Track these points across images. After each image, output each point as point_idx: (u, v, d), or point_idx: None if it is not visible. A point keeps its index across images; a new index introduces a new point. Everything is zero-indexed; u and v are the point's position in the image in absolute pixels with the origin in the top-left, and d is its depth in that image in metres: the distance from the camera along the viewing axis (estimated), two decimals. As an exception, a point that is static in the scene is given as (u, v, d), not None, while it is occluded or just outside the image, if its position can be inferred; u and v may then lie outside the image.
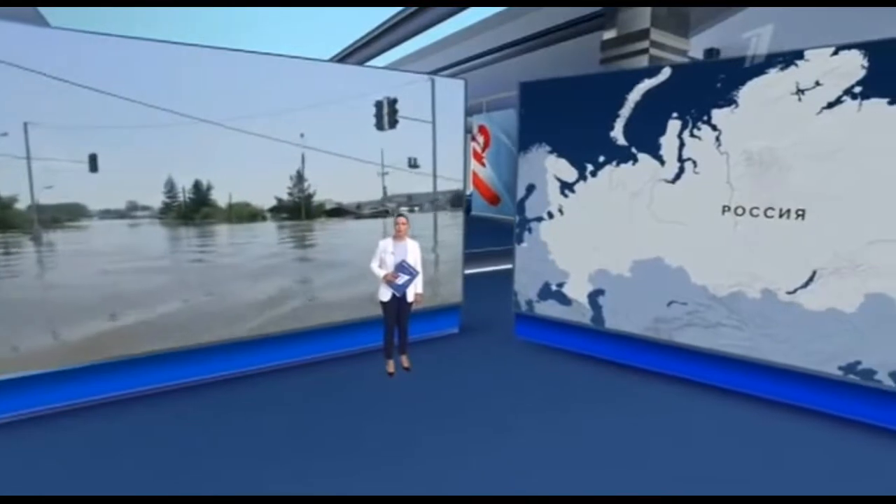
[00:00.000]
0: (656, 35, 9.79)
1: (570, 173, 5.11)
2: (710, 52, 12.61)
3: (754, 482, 3.11)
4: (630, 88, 4.60)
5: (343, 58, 16.41)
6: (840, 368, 3.86)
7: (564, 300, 5.25)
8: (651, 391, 4.44)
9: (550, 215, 5.28)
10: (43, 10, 10.08)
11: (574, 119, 4.97)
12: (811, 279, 3.94)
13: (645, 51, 9.73)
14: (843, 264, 3.81)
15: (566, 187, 5.15)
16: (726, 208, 4.26)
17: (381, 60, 15.91)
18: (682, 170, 4.48)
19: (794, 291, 4.01)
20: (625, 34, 10.09)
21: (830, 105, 3.72)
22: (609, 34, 10.40)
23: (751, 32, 11.23)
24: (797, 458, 3.43)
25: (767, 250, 4.12)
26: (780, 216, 4.01)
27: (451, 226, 5.69)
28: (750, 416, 4.01)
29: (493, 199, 18.04)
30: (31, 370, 3.73)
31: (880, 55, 3.50)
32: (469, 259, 5.96)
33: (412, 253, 4.48)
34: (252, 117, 4.35)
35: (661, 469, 3.25)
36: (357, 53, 15.81)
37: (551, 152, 5.18)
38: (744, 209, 4.17)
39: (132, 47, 3.86)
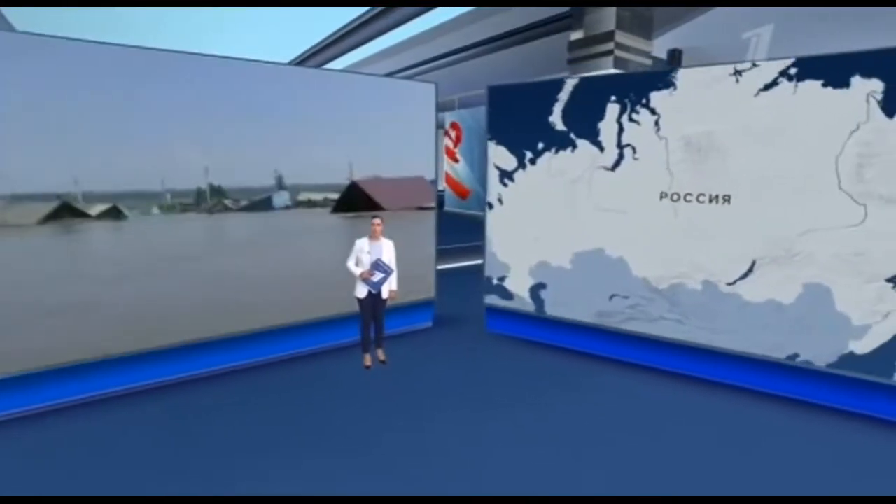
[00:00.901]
0: (621, 37, 10.14)
1: (508, 161, 5.01)
2: (673, 53, 13.06)
3: (726, 468, 3.33)
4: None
5: (307, 58, 16.37)
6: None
7: (506, 295, 5.19)
8: (619, 380, 4.63)
9: (490, 206, 5.23)
10: (8, 13, 9.83)
11: (529, 116, 4.95)
12: (751, 269, 3.98)
13: (610, 52, 10.09)
14: (781, 253, 3.84)
15: (505, 176, 5.06)
16: (664, 195, 4.21)
17: (348, 59, 15.92)
18: (621, 156, 4.39)
19: (735, 283, 4.06)
20: (591, 35, 10.42)
21: (767, 87, 3.78)
22: (576, 35, 10.72)
23: (750, 33, 11.47)
24: (757, 440, 3.64)
25: (708, 239, 4.09)
26: (719, 202, 4.00)
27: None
28: (713, 402, 4.18)
29: (464, 195, 18.44)
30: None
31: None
32: (443, 254, 6.18)
33: (387, 252, 4.68)
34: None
35: (631, 457, 3.43)
36: (323, 53, 15.80)
37: (491, 139, 5.10)
38: (683, 196, 4.14)
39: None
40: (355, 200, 5.34)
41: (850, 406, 3.99)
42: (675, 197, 4.16)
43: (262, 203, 4.81)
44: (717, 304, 4.17)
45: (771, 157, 3.78)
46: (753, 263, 4.00)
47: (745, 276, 4.05)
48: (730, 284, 4.11)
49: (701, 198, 4.04)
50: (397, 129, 5.49)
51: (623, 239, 4.48)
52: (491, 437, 3.67)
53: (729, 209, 3.98)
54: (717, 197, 3.99)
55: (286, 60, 18.60)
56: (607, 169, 4.48)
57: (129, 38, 4.08)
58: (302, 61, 17.81)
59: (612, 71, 9.78)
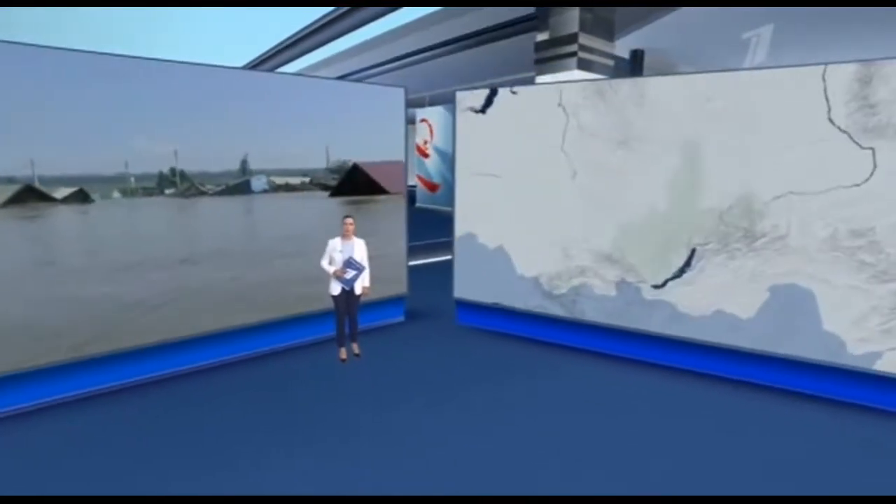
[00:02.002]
0: (584, 39, 10.49)
1: None
2: (635, 54, 13.52)
3: (706, 459, 3.36)
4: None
5: (272, 56, 16.27)
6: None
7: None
8: (589, 370, 4.74)
9: None
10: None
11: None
12: (689, 262, 2.64)
13: (574, 53, 10.42)
14: (736, 234, 2.47)
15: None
16: (558, 148, 2.66)
17: (315, 56, 15.90)
18: (493, 91, 3.04)
19: (665, 284, 2.68)
20: (556, 37, 10.74)
21: None
22: (542, 36, 11.02)
23: (750, 32, 11.72)
24: (741, 430, 3.57)
25: (623, 214, 2.67)
26: (638, 152, 2.45)
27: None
28: (686, 390, 4.15)
29: (434, 189, 18.83)
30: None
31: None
32: (415, 250, 6.38)
33: (359, 250, 4.89)
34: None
35: (606, 449, 3.56)
36: (287, 51, 15.74)
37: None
38: (583, 146, 2.56)
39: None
40: (357, 184, 5.44)
41: (833, 395, 3.37)
42: (571, 149, 2.61)
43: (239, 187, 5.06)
44: (639, 315, 2.85)
45: (721, 78, 2.26)
46: (693, 252, 2.67)
47: (680, 272, 2.72)
48: (658, 287, 2.79)
49: (612, 146, 2.48)
50: (370, 129, 5.72)
51: (501, 218, 3.11)
52: (462, 427, 3.86)
53: (655, 163, 2.45)
54: (633, 142, 2.40)
55: (251, 57, 18.46)
56: (476, 111, 3.08)
57: (125, 41, 4.19)
58: (266, 59, 17.69)
59: (576, 72, 10.12)
